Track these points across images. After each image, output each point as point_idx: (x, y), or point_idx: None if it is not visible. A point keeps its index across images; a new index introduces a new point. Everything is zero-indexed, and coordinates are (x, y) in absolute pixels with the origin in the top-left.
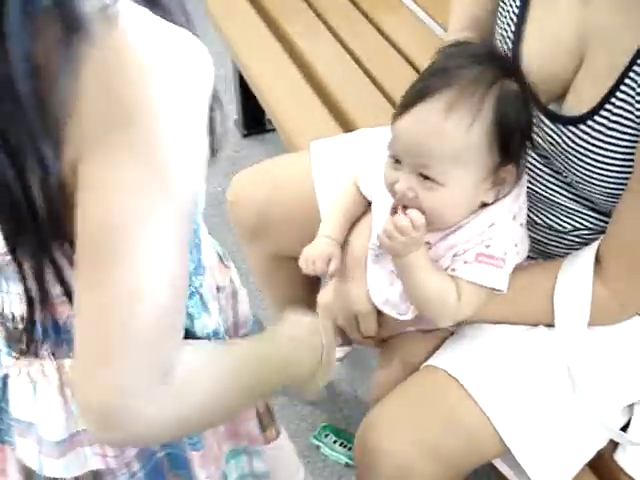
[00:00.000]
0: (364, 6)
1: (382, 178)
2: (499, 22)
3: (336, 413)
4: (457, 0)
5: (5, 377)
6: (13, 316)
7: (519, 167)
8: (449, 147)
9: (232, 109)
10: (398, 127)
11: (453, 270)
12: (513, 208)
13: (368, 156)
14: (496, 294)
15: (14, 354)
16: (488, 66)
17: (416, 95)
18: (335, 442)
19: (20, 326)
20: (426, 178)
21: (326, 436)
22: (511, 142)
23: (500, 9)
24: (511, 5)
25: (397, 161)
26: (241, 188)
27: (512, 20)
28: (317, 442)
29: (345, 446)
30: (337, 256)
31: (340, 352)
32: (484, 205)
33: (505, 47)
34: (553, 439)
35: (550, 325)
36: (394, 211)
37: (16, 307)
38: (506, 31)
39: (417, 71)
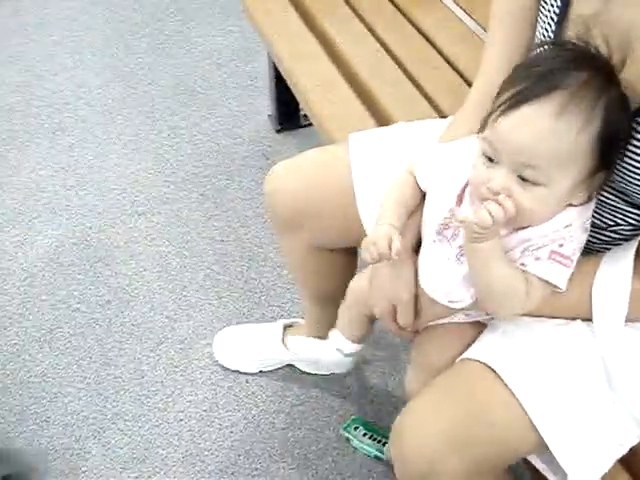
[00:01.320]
0: (401, 2)
1: (439, 170)
2: (540, 21)
3: (366, 406)
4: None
5: None
6: None
7: (609, 175)
8: (558, 148)
9: (267, 104)
10: (502, 128)
11: (523, 265)
12: (588, 213)
13: (423, 146)
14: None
15: None
16: (594, 72)
17: (521, 97)
18: (365, 435)
19: None
20: (525, 180)
21: (356, 429)
22: (612, 151)
23: (541, 7)
24: (552, 5)
25: (491, 160)
26: (278, 179)
27: (552, 20)
28: (347, 434)
29: (375, 439)
30: (399, 239)
31: (349, 348)
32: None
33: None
34: (588, 434)
35: (587, 320)
36: (459, 199)
37: None
38: (547, 30)
39: (453, 68)
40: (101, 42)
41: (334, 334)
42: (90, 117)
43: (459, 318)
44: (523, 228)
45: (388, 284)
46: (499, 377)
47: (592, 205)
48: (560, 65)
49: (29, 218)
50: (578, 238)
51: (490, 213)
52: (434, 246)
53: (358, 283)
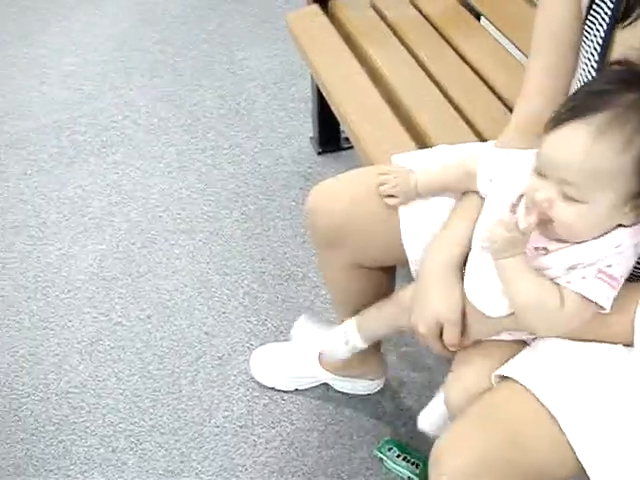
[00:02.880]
0: (443, 28)
1: (500, 178)
2: (582, 50)
3: (400, 428)
4: (539, 26)
5: None
6: None
7: None
8: (593, 169)
9: (309, 126)
10: (547, 142)
11: (568, 283)
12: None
13: (483, 150)
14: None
15: None
16: None
17: (570, 113)
18: (399, 456)
19: None
20: (566, 195)
21: (390, 449)
22: None
23: (584, 37)
24: (595, 35)
25: (541, 173)
26: (320, 196)
27: (595, 50)
28: (380, 455)
29: (408, 461)
30: (404, 191)
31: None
32: (618, 226)
33: (588, 75)
34: (627, 462)
35: (628, 345)
36: (513, 208)
37: None
38: (589, 60)
39: (494, 92)
40: (149, 63)
41: (349, 323)
42: (136, 135)
43: (503, 337)
44: (572, 247)
45: (437, 303)
46: (538, 400)
47: None
48: (611, 85)
49: (74, 232)
50: (627, 261)
51: (502, 221)
52: (482, 253)
53: (407, 294)
